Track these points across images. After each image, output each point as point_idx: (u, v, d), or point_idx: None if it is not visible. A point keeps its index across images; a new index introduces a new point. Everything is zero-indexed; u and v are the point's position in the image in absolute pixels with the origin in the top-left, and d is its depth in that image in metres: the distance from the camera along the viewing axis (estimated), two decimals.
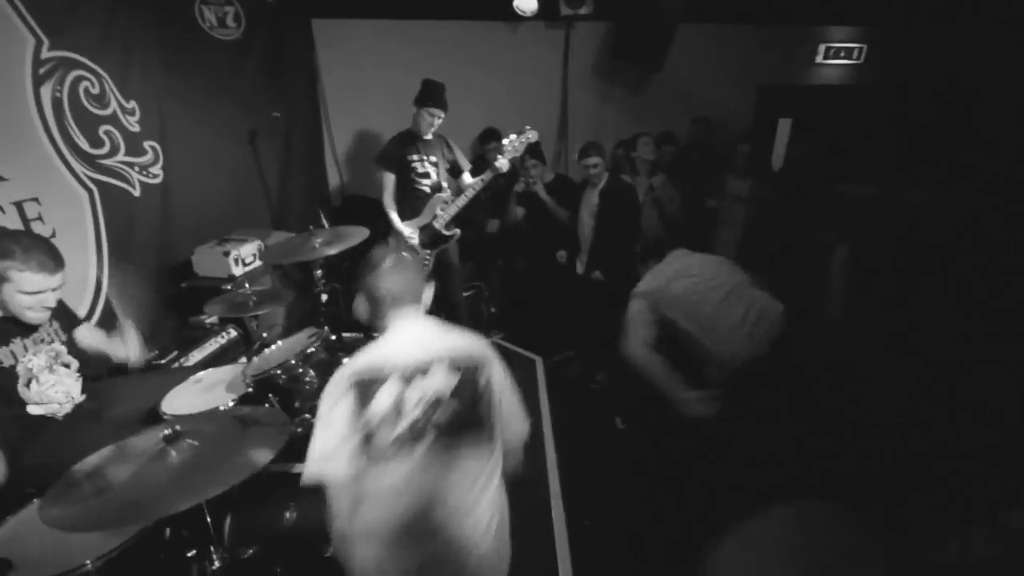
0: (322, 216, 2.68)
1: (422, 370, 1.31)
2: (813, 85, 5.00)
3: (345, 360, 2.01)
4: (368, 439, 1.25)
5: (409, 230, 3.43)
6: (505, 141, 3.30)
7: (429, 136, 3.43)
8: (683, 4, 4.14)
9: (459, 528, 1.28)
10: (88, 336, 2.07)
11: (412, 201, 3.45)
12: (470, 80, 4.76)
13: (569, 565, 2.12)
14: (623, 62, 4.64)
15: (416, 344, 1.36)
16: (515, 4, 4.22)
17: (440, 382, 1.31)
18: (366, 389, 1.27)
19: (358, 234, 2.64)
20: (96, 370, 2.13)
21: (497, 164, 3.26)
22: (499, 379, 1.40)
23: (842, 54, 4.87)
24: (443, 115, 3.36)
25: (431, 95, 3.30)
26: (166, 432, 1.27)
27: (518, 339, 3.77)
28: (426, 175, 3.42)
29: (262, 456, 1.28)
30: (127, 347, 2.04)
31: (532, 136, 3.33)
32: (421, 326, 1.43)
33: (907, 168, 4.38)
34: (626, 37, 4.49)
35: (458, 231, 3.49)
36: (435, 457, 1.28)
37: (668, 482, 2.40)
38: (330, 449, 1.25)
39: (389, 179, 3.42)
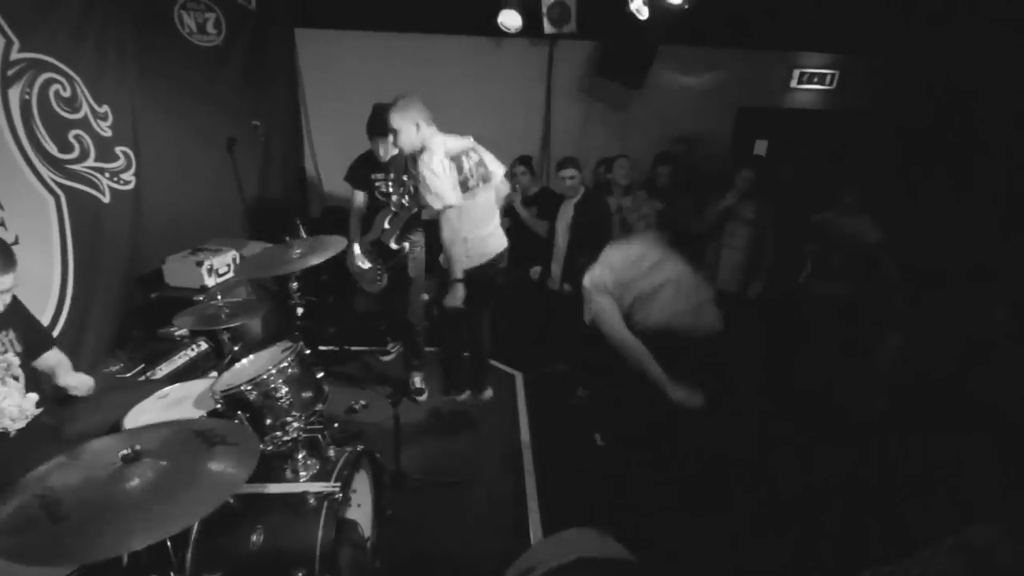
0: (300, 227, 2.60)
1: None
2: (788, 109, 5.15)
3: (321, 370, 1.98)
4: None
5: (358, 252, 3.39)
6: None
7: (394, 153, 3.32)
8: (664, 26, 4.23)
9: (486, 225, 2.98)
10: (52, 358, 2.05)
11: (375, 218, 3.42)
12: (453, 94, 4.75)
13: None
14: (605, 79, 4.71)
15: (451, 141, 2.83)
16: (499, 20, 4.27)
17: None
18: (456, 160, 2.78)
19: (337, 243, 2.57)
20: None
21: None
22: (480, 157, 2.89)
23: (815, 80, 5.04)
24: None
25: (375, 125, 3.22)
26: (124, 452, 1.20)
27: (497, 354, 3.75)
28: (388, 195, 3.35)
29: (233, 482, 1.22)
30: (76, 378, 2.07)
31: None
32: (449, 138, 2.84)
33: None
34: (609, 56, 4.57)
35: (407, 245, 3.39)
36: (472, 195, 2.82)
37: (648, 496, 2.38)
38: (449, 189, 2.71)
39: (358, 197, 3.39)
